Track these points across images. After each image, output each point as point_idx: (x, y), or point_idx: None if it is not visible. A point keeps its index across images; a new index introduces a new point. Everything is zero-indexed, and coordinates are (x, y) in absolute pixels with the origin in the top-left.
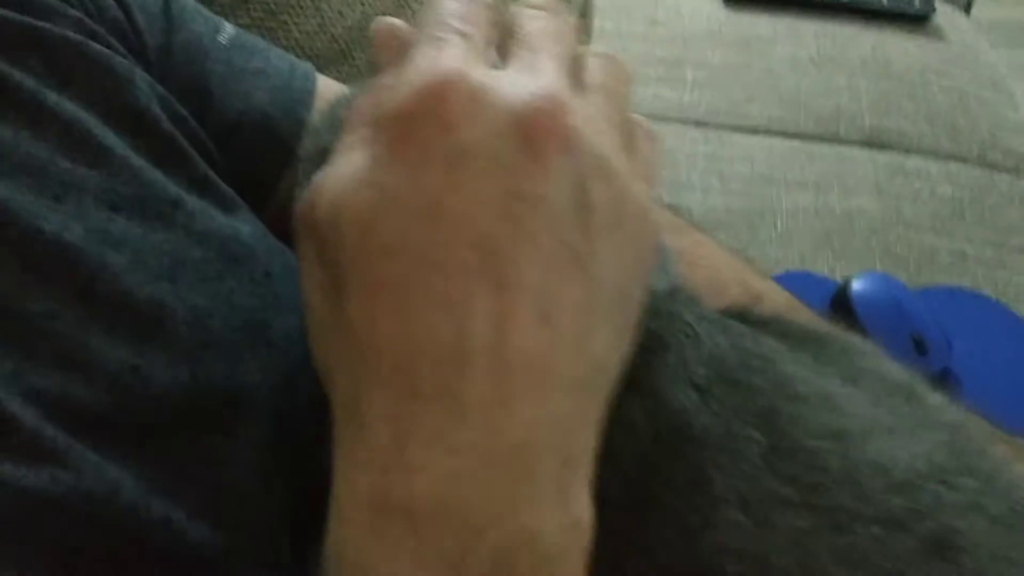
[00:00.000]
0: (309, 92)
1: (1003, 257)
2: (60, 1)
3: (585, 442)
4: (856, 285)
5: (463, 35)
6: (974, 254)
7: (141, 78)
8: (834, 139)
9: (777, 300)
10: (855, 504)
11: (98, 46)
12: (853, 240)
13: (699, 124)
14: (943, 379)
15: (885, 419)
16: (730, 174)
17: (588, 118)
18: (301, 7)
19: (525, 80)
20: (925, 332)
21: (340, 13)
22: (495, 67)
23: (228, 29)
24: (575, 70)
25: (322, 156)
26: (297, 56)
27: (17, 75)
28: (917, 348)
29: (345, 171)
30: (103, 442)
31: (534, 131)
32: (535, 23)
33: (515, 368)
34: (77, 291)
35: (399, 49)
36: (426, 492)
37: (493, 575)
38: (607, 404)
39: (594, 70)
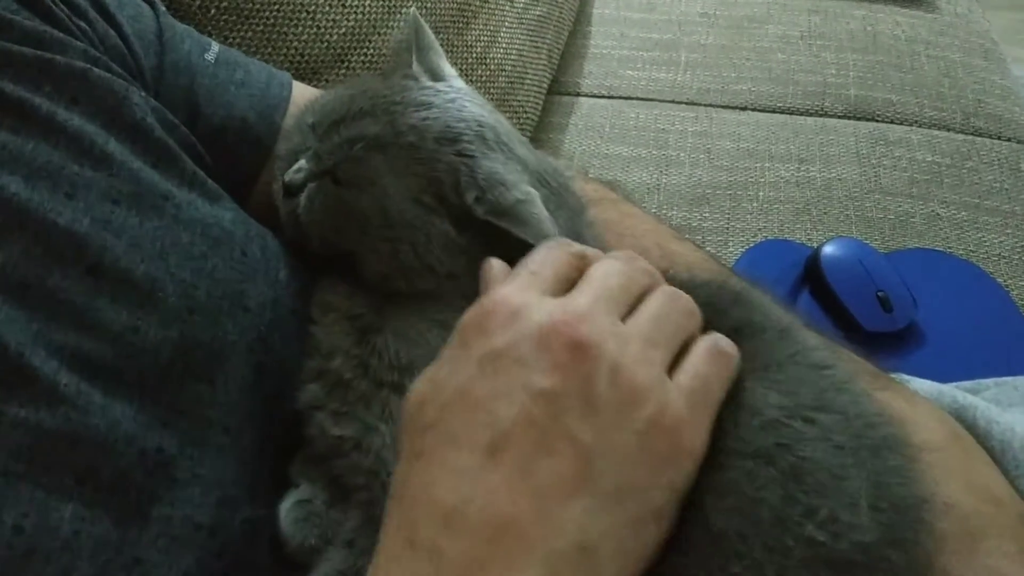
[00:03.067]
0: (284, 99)
1: (977, 218)
2: (68, 36)
3: None
4: (826, 250)
5: (531, 273)
6: (948, 216)
7: (137, 94)
8: (819, 112)
9: (689, 259)
10: (730, 441)
11: (99, 71)
12: (831, 208)
13: (690, 103)
14: (908, 333)
15: (760, 360)
16: (717, 150)
17: (609, 332)
18: (298, 18)
19: (558, 303)
20: (890, 291)
21: (334, 22)
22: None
23: (215, 48)
24: (626, 303)
25: (292, 157)
26: (296, 62)
27: (35, 98)
28: (883, 305)
29: (427, 370)
30: (108, 387)
31: (550, 337)
32: (600, 265)
33: (493, 530)
34: (86, 269)
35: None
36: None
37: None
38: None
39: (652, 302)
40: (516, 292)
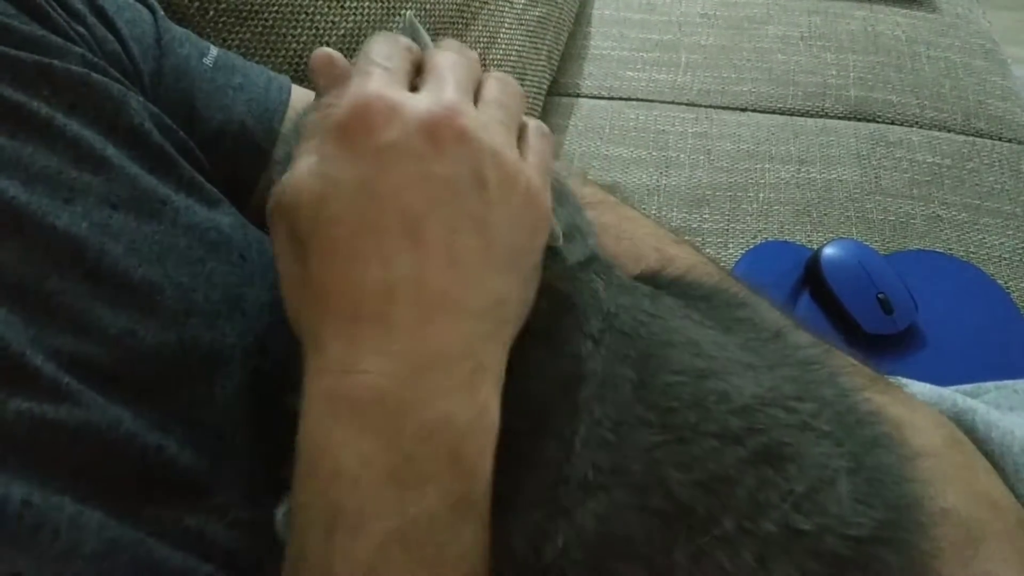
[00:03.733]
0: (283, 103)
1: (978, 220)
2: (66, 41)
3: (494, 355)
4: (826, 252)
5: (385, 68)
6: (949, 218)
7: (135, 99)
8: (819, 113)
9: (686, 262)
10: (698, 423)
11: (98, 75)
12: (831, 209)
13: (690, 104)
14: (909, 336)
15: (746, 359)
16: (717, 151)
17: (480, 121)
18: (297, 20)
19: (429, 97)
20: (890, 293)
21: (333, 23)
22: (410, 90)
23: (213, 51)
24: (473, 89)
25: (290, 160)
26: (295, 64)
27: (33, 103)
28: (883, 307)
29: (302, 168)
30: (108, 389)
31: (436, 129)
32: (441, 58)
33: (431, 298)
34: (84, 273)
35: (335, 75)
36: (367, 385)
37: (418, 447)
38: (513, 328)
39: (491, 88)
40: (384, 89)
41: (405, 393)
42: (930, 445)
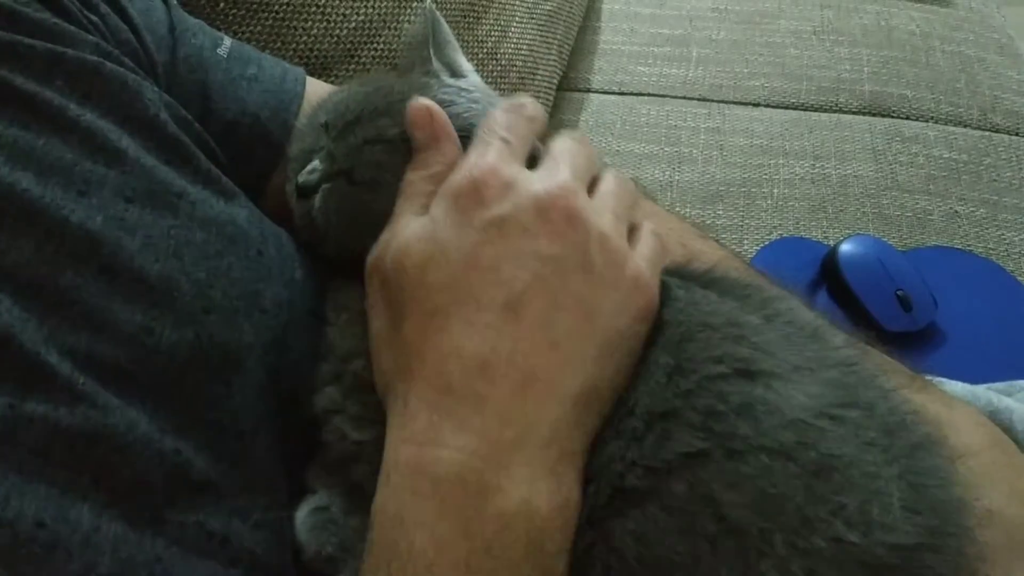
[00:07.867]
0: (298, 95)
1: (996, 215)
2: (79, 29)
3: (579, 441)
4: (844, 248)
5: (504, 141)
6: (967, 214)
7: (150, 89)
8: (834, 108)
9: (712, 256)
10: (749, 435)
11: (112, 65)
12: (847, 205)
13: (702, 99)
14: (929, 333)
15: (791, 358)
16: (730, 146)
17: (592, 206)
18: (308, 13)
19: (544, 176)
20: (910, 290)
21: (344, 16)
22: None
23: (227, 42)
24: (589, 179)
25: (305, 157)
26: (306, 57)
27: (46, 93)
28: (902, 304)
29: (408, 230)
30: (124, 388)
31: (548, 208)
32: (560, 142)
33: (524, 377)
34: (99, 268)
35: (434, 130)
36: (449, 462)
37: (498, 536)
38: (599, 418)
39: (607, 181)
40: (502, 164)
41: (488, 476)
42: (971, 445)
